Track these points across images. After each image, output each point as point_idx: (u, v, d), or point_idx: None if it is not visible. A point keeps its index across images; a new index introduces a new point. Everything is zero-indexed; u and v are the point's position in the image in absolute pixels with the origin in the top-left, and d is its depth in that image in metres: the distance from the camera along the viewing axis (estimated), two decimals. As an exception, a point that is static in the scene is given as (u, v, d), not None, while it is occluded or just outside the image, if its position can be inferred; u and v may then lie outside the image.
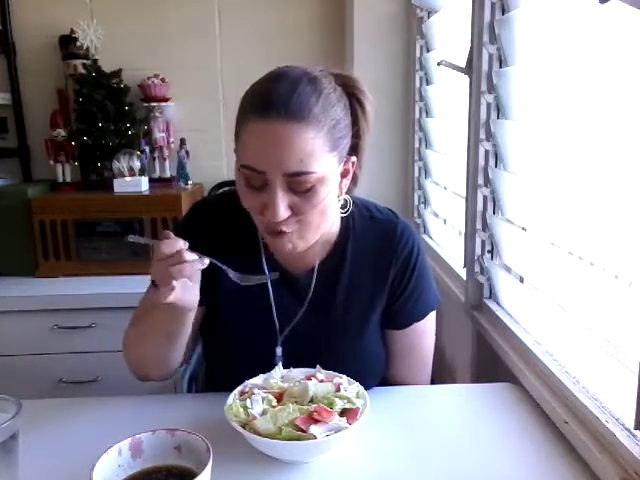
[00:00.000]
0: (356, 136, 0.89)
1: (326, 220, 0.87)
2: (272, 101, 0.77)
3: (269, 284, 0.95)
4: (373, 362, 0.99)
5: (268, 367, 0.88)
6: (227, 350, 0.98)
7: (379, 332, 0.99)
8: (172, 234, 0.79)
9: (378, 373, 1.01)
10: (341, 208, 0.93)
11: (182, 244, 0.78)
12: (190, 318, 0.87)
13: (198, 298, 0.84)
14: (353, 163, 0.89)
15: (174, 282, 0.76)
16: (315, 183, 0.80)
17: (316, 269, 0.96)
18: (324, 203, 0.83)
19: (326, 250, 0.97)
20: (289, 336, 0.95)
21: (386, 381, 1.03)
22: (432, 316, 1.01)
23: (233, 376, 0.87)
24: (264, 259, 0.96)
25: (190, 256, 0.77)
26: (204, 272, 0.84)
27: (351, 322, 0.96)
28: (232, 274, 0.85)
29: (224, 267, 0.84)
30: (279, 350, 0.95)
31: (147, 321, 0.91)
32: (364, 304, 0.96)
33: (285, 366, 0.90)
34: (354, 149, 0.89)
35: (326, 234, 0.94)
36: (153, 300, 0.82)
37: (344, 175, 0.89)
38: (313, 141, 0.78)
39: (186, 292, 0.79)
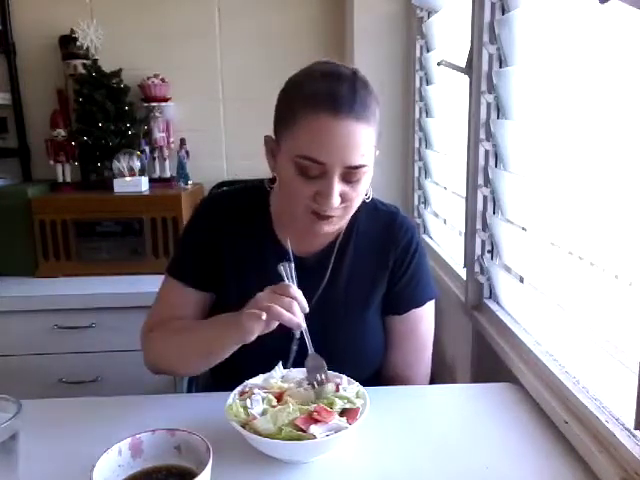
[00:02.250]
0: None
1: (358, 206, 0.94)
2: (340, 101, 0.84)
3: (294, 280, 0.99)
4: (373, 346, 1.02)
5: (285, 349, 0.94)
6: None
7: (379, 319, 1.03)
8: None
9: (377, 359, 1.04)
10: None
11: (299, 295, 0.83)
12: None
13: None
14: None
15: (262, 317, 0.79)
16: (364, 174, 0.88)
17: (335, 253, 1.01)
18: (363, 190, 0.92)
19: (332, 239, 1.02)
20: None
21: (385, 372, 1.05)
22: (430, 306, 1.05)
23: (249, 366, 0.90)
24: (289, 246, 0.99)
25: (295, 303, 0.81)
26: (210, 258, 0.94)
27: (353, 306, 1.00)
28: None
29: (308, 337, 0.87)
30: (298, 332, 0.97)
31: (191, 340, 0.95)
32: (365, 287, 1.01)
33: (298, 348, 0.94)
34: None
35: None
36: (237, 328, 0.84)
37: None
38: (370, 137, 0.87)
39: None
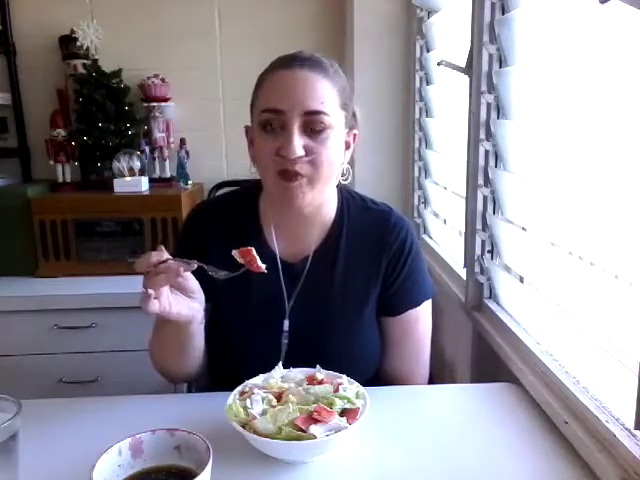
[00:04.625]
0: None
1: (331, 175, 0.93)
2: (293, 58, 0.91)
3: (279, 267, 1.00)
4: (369, 347, 1.02)
5: (276, 343, 0.97)
6: (234, 336, 1.01)
7: (375, 320, 1.03)
8: (161, 247, 0.82)
9: (375, 359, 1.03)
10: (342, 176, 0.99)
11: (158, 256, 0.79)
12: (196, 329, 0.91)
13: (196, 312, 0.87)
14: (354, 136, 0.99)
15: (147, 293, 0.78)
16: (327, 127, 0.89)
17: (311, 255, 1.00)
18: (332, 151, 0.90)
19: (321, 237, 1.01)
20: (291, 319, 0.99)
21: (383, 372, 1.05)
22: (427, 305, 1.05)
23: (243, 362, 0.93)
24: (277, 245, 1.00)
25: (165, 267, 0.79)
26: (201, 271, 0.88)
27: (348, 307, 1.00)
28: (217, 273, 0.85)
29: (205, 266, 0.84)
30: (286, 323, 0.99)
31: (160, 334, 0.96)
32: (359, 290, 1.00)
33: (289, 348, 0.96)
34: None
35: (322, 219, 1.00)
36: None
37: (347, 146, 0.97)
38: (329, 90, 0.89)
39: (174, 305, 0.82)
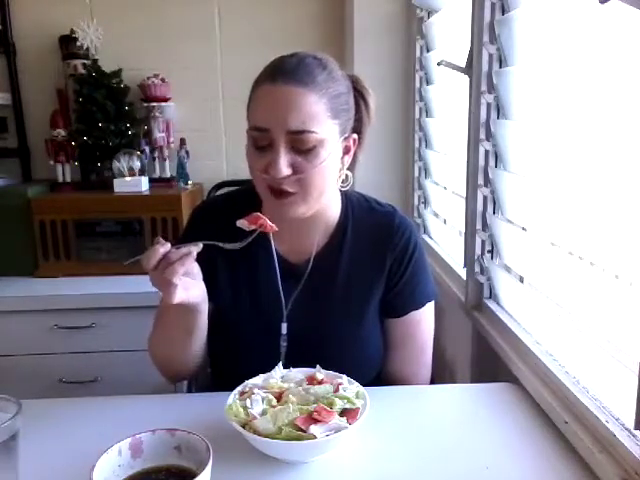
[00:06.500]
0: (357, 128, 0.96)
1: (326, 187, 0.91)
2: (280, 69, 0.87)
3: (277, 270, 0.98)
4: (372, 349, 1.02)
5: (275, 346, 0.96)
6: (234, 338, 1.01)
7: (377, 322, 1.02)
8: (160, 239, 0.82)
9: (377, 362, 1.03)
10: (342, 183, 0.97)
11: (164, 247, 0.80)
12: (204, 310, 0.91)
13: (205, 290, 0.88)
14: (354, 140, 0.95)
15: (172, 284, 0.79)
16: (316, 144, 0.86)
17: (313, 256, 0.99)
18: (324, 165, 0.88)
19: (325, 238, 1.01)
20: (291, 321, 0.98)
21: (385, 374, 1.05)
22: (430, 307, 1.04)
23: (243, 364, 0.93)
24: (274, 249, 0.99)
25: (176, 255, 0.80)
26: (204, 267, 0.89)
27: (351, 309, 0.99)
28: (226, 245, 0.86)
29: (215, 243, 0.85)
30: (284, 327, 0.98)
31: (166, 320, 0.95)
32: (363, 291, 1.00)
33: (289, 351, 0.96)
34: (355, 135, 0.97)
35: (325, 220, 0.99)
36: (164, 303, 0.87)
37: (346, 152, 0.95)
38: (315, 105, 0.85)
39: (190, 288, 0.83)
